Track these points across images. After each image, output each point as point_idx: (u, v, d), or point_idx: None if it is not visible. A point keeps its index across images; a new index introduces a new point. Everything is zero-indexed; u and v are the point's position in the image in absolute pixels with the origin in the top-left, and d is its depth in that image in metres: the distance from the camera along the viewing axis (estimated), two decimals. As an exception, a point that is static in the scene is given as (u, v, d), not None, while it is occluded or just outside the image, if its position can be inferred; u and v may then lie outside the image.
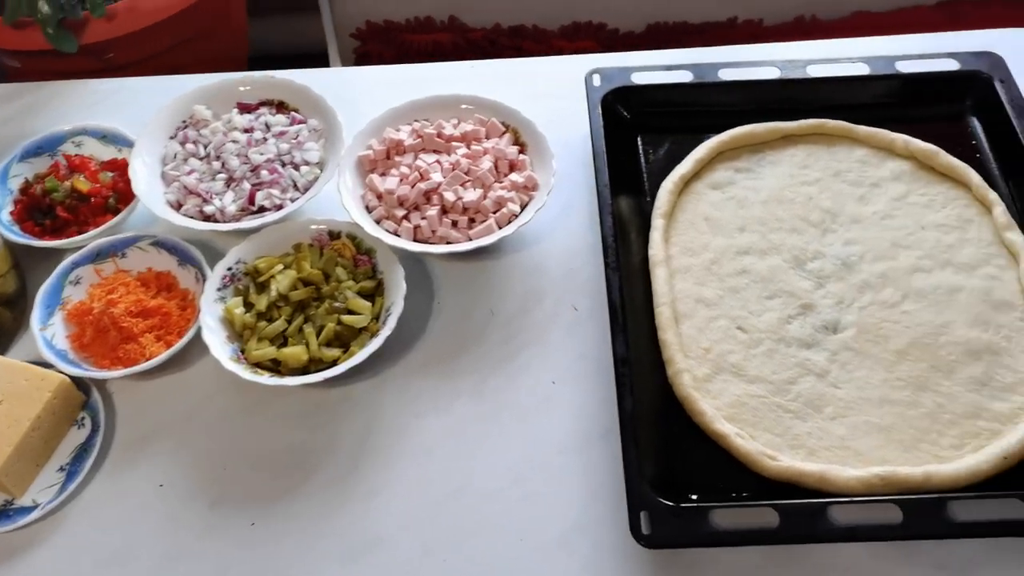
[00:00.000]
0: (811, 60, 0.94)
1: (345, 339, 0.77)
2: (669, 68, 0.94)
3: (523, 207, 0.83)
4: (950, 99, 0.93)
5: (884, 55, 0.94)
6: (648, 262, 0.83)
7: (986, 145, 0.91)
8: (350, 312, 0.78)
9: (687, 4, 1.49)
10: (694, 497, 0.69)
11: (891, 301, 0.80)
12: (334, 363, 0.75)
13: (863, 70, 0.94)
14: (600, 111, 0.91)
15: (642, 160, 0.92)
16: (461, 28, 1.46)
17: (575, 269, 0.85)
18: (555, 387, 0.78)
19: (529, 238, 0.88)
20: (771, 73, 0.94)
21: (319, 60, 1.58)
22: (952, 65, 0.93)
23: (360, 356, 0.74)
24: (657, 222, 0.85)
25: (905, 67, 0.93)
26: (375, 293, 0.80)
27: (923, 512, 0.65)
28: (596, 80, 0.94)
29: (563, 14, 1.49)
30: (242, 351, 0.77)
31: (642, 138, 0.93)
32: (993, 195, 0.85)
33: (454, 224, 0.82)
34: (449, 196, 0.82)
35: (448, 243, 0.81)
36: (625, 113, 0.94)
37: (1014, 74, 0.92)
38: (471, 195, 0.82)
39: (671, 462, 0.71)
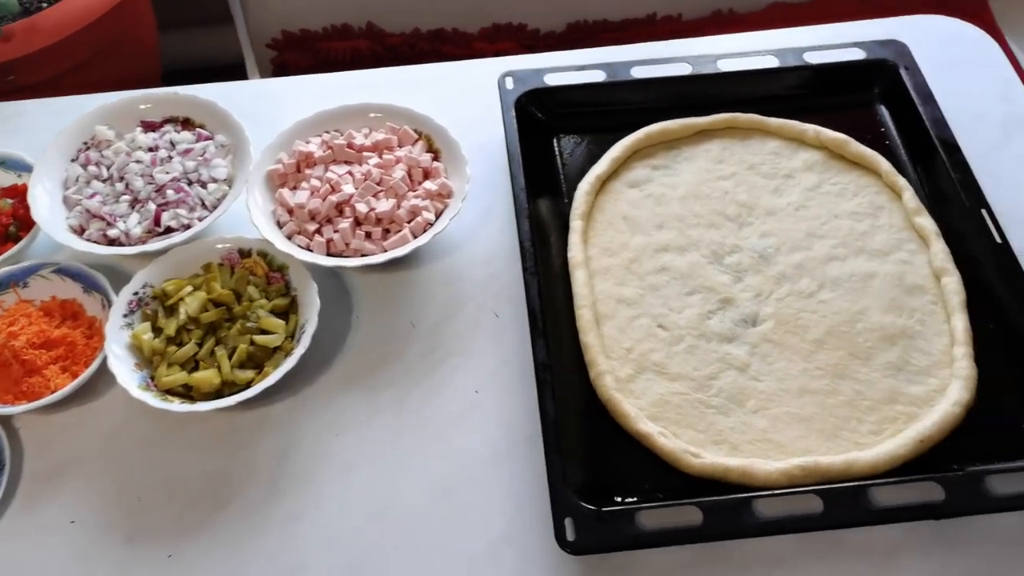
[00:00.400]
0: (721, 55, 0.95)
1: (259, 360, 0.75)
2: (582, 68, 0.94)
3: (439, 215, 0.82)
4: (858, 88, 0.95)
5: (793, 47, 0.95)
6: (567, 264, 0.82)
7: (894, 132, 0.92)
8: (263, 332, 0.76)
9: (606, 2, 1.50)
10: (619, 500, 0.68)
11: (808, 291, 0.81)
12: (248, 385, 0.73)
13: (772, 63, 0.94)
14: (514, 114, 0.90)
15: (559, 162, 0.91)
16: (379, 34, 1.45)
17: (495, 275, 0.84)
18: (478, 396, 0.77)
19: (448, 246, 0.86)
20: (683, 69, 0.94)
21: (237, 72, 1.55)
22: (859, 55, 0.95)
23: (274, 377, 0.72)
24: (575, 224, 0.84)
25: (813, 58, 0.94)
26: (289, 311, 0.78)
27: (843, 500, 0.65)
28: (509, 83, 0.93)
29: (483, 16, 1.48)
30: (152, 378, 0.75)
31: (558, 139, 0.93)
32: (902, 181, 0.86)
33: (368, 236, 0.81)
34: (362, 207, 0.81)
35: (363, 255, 0.79)
36: (540, 115, 0.93)
37: (918, 60, 0.94)
38: (384, 205, 0.81)
39: (597, 465, 0.71)
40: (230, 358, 0.74)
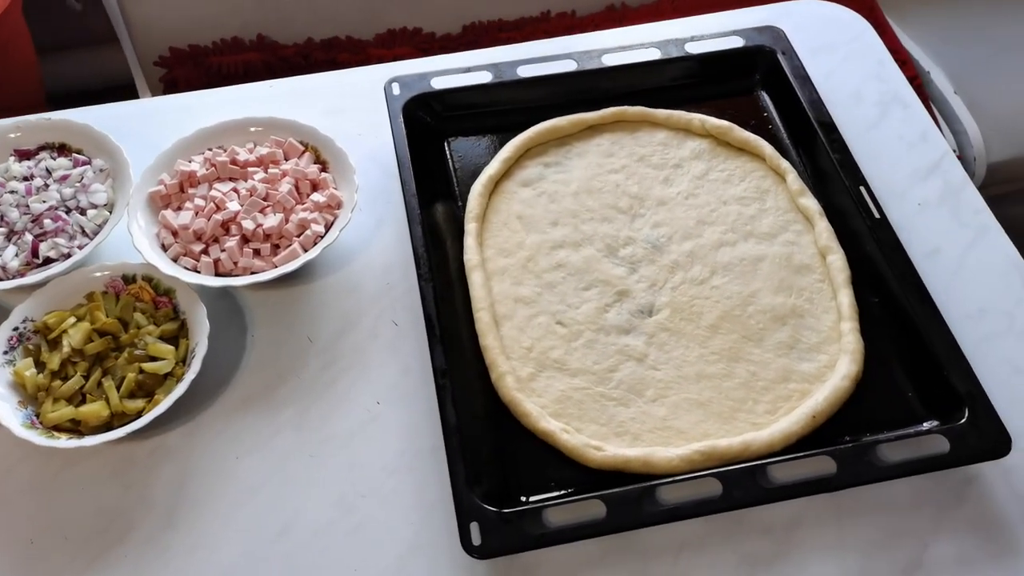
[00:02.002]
0: (606, 49, 0.96)
1: (149, 388, 0.73)
2: (468, 70, 0.94)
3: (329, 227, 0.81)
4: (740, 75, 0.97)
5: (675, 38, 0.97)
6: (464, 268, 0.82)
7: (776, 116, 0.94)
8: (152, 359, 0.74)
9: (501, 2, 1.50)
10: (525, 500, 0.68)
11: (700, 278, 0.82)
12: (139, 415, 0.71)
13: (655, 55, 0.96)
14: (402, 120, 0.89)
15: (451, 165, 0.91)
16: (272, 46, 1.42)
17: (392, 284, 0.84)
18: (380, 407, 0.76)
19: (342, 257, 0.85)
20: (568, 66, 0.95)
21: (128, 92, 1.50)
22: (738, 42, 0.97)
23: (164, 404, 0.70)
24: (470, 226, 0.84)
25: (695, 48, 0.96)
26: (179, 335, 0.76)
27: (741, 481, 0.66)
28: (395, 89, 0.92)
29: (377, 23, 1.47)
30: (37, 415, 0.72)
31: (449, 143, 0.92)
32: (785, 164, 0.89)
33: (256, 253, 0.79)
34: (248, 224, 0.79)
35: (252, 273, 0.78)
36: (428, 119, 0.93)
37: (795, 45, 0.96)
38: (271, 221, 0.79)
39: (503, 468, 0.71)
40: (118, 388, 0.72)
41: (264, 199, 0.81)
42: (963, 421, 0.69)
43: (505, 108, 0.94)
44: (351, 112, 0.96)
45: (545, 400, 0.74)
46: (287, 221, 0.80)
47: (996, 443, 0.68)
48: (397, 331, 0.81)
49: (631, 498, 0.66)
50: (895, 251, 0.79)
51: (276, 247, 0.80)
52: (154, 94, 1.45)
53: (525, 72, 0.94)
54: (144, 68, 1.43)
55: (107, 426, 0.71)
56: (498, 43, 1.03)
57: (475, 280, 0.80)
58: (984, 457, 0.68)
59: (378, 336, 0.80)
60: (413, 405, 0.76)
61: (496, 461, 0.71)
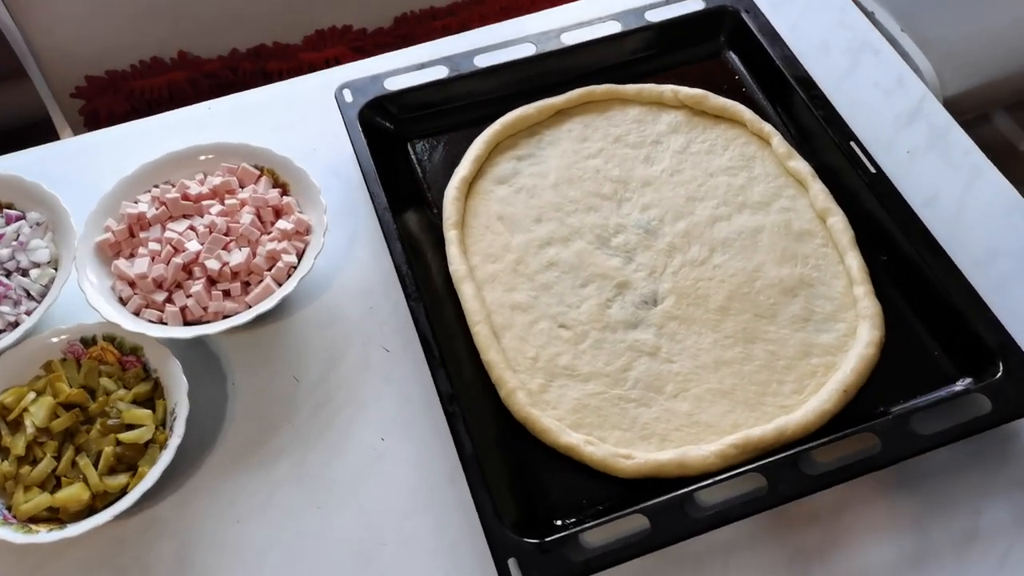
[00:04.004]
0: (563, 28, 0.90)
1: (130, 460, 0.66)
2: (422, 67, 0.88)
3: (301, 255, 0.75)
4: (705, 39, 0.92)
5: (632, 8, 0.92)
6: (451, 279, 0.76)
7: (748, 77, 0.90)
8: (129, 427, 0.67)
9: (429, -12, 1.43)
10: (560, 523, 0.64)
11: (700, 258, 0.78)
12: (124, 492, 0.64)
13: (616, 28, 0.90)
14: (359, 128, 0.83)
15: (418, 170, 0.85)
16: (195, 62, 1.33)
17: (375, 307, 0.78)
18: (385, 444, 0.70)
19: (317, 285, 0.79)
20: (527, 50, 0.89)
21: (44, 128, 1.39)
22: (699, 5, 0.92)
23: (151, 476, 0.63)
24: (450, 234, 0.78)
25: (655, 16, 0.91)
26: (154, 396, 0.69)
27: (784, 473, 0.62)
28: (348, 95, 0.85)
29: (304, 24, 1.39)
30: (8, 508, 0.65)
31: (413, 146, 0.86)
32: (768, 127, 0.85)
33: (227, 294, 0.72)
34: (212, 264, 0.72)
35: (225, 317, 0.71)
36: (388, 124, 0.86)
37: (756, 1, 0.92)
38: (238, 257, 0.73)
39: (528, 491, 0.66)
40: (96, 466, 0.65)
41: (225, 234, 0.74)
42: (999, 376, 0.66)
43: (467, 102, 0.88)
44: (302, 126, 0.90)
45: (561, 411, 0.70)
46: (255, 255, 0.73)
47: (1038, 394, 0.65)
48: (389, 357, 0.75)
49: (674, 506, 0.62)
50: (897, 205, 0.76)
51: (246, 284, 0.73)
52: (74, 129, 1.35)
53: (482, 62, 0.88)
54: (60, 101, 1.32)
55: (89, 509, 0.64)
56: (433, 32, 0.97)
57: (466, 292, 0.75)
58: (1027, 411, 0.65)
59: (369, 366, 0.74)
60: (419, 436, 0.70)
61: (520, 485, 0.66)
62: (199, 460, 0.69)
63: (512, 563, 0.60)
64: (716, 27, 0.92)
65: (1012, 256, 0.78)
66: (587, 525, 0.62)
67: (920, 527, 0.65)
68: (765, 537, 0.65)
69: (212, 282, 0.73)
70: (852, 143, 0.80)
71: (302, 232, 0.75)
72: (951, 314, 0.70)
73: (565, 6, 0.99)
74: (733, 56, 0.92)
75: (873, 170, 0.78)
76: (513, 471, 0.67)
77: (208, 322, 0.71)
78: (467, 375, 0.71)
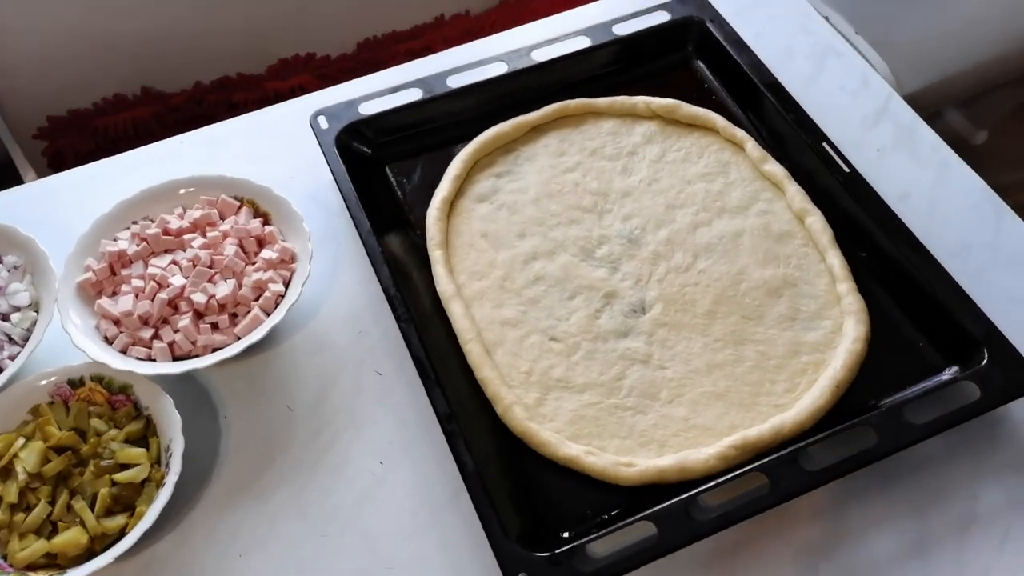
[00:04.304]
0: (533, 46, 0.91)
1: (127, 500, 0.65)
2: (396, 90, 0.88)
3: (287, 284, 0.74)
4: (673, 50, 0.94)
5: (600, 22, 0.93)
6: (439, 299, 0.76)
7: (718, 85, 0.92)
8: (123, 467, 0.66)
9: (391, 12, 1.44)
10: (566, 536, 0.64)
11: (685, 264, 0.79)
12: (123, 533, 0.63)
13: (585, 43, 0.92)
14: (337, 154, 0.83)
15: (398, 193, 0.85)
16: (159, 97, 1.32)
17: (365, 331, 0.77)
18: (384, 467, 0.70)
19: (305, 313, 0.78)
20: (499, 69, 0.90)
21: (6, 171, 1.37)
22: (664, 17, 0.94)
23: (151, 515, 0.62)
24: (435, 254, 0.79)
25: (622, 30, 0.92)
26: (147, 434, 0.68)
27: (785, 471, 0.63)
28: (323, 122, 0.85)
29: (267, 54, 1.39)
30: (4, 557, 0.63)
31: (391, 169, 0.86)
32: (740, 133, 0.86)
33: (215, 327, 0.72)
34: (199, 297, 0.71)
35: (215, 350, 0.70)
36: (365, 149, 0.86)
37: (720, 10, 0.94)
38: (224, 289, 0.72)
39: (533, 505, 0.66)
40: (92, 508, 0.64)
41: (209, 266, 0.73)
42: (985, 363, 0.68)
43: (442, 123, 0.89)
44: (277, 155, 0.89)
45: (559, 424, 0.70)
46: (240, 286, 0.73)
47: None
48: (382, 381, 0.74)
49: (679, 511, 0.62)
50: (873, 202, 0.78)
51: (234, 316, 0.72)
52: (38, 171, 1.33)
53: (455, 82, 0.89)
54: (22, 143, 1.31)
55: (88, 553, 0.63)
56: (398, 56, 0.98)
57: (455, 311, 0.75)
58: (1016, 394, 0.66)
59: (363, 390, 0.74)
60: (418, 458, 0.70)
61: (523, 500, 0.66)
62: (196, 496, 0.68)
63: (523, 578, 0.59)
64: (683, 38, 0.94)
65: (986, 247, 0.80)
66: (595, 535, 0.62)
67: (920, 515, 0.66)
68: (769, 536, 0.65)
69: (199, 315, 0.72)
70: (824, 144, 0.82)
71: (287, 260, 0.75)
72: (933, 306, 0.72)
73: (532, 24, 1.00)
74: (702, 65, 0.94)
75: (847, 169, 0.80)
76: (515, 486, 0.67)
77: (197, 356, 0.70)
78: (462, 393, 0.71)
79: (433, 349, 0.72)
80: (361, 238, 0.77)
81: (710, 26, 0.92)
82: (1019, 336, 0.69)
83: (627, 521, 0.62)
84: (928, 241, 0.76)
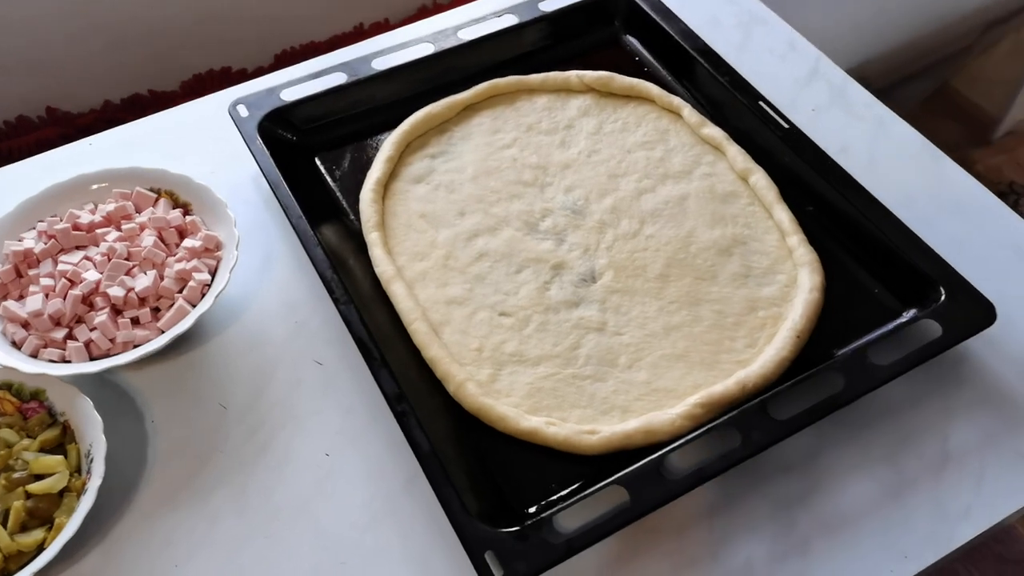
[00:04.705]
0: (459, 26, 0.89)
1: (45, 513, 0.58)
2: (319, 75, 0.84)
3: (214, 273, 0.69)
4: (601, 25, 0.92)
5: (527, 1, 0.91)
6: (379, 284, 0.72)
7: (650, 57, 0.90)
8: (38, 477, 0.59)
9: (308, 22, 1.40)
10: (532, 511, 0.59)
11: (632, 231, 0.76)
12: (41, 548, 0.56)
13: (513, 21, 0.89)
14: (260, 142, 0.78)
15: (329, 180, 0.80)
16: (65, 118, 1.25)
17: (302, 321, 0.72)
18: (331, 459, 0.65)
19: (237, 308, 0.73)
20: (425, 50, 0.87)
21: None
22: (590, -8, 0.92)
23: (72, 526, 0.56)
24: (372, 236, 0.74)
25: (548, 6, 0.91)
26: (64, 441, 0.62)
27: (755, 422, 0.60)
28: (243, 111, 0.81)
29: (180, 70, 1.33)
30: (-97, 590, 0.56)
31: (320, 157, 0.82)
32: (677, 100, 0.85)
33: (136, 321, 0.66)
34: (116, 291, 0.66)
35: (136, 346, 0.65)
36: (290, 136, 0.82)
37: (645, -17, 0.93)
38: (144, 281, 0.66)
39: (495, 484, 0.61)
40: (5, 525, 0.57)
41: (127, 259, 0.68)
42: (943, 300, 0.66)
43: (370, 107, 0.85)
44: (196, 151, 0.84)
45: (515, 398, 0.66)
46: (162, 277, 0.67)
47: (984, 312, 0.65)
48: (324, 371, 0.70)
49: (650, 472, 0.58)
50: (815, 155, 0.77)
51: (157, 310, 0.67)
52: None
53: (381, 65, 0.85)
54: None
55: (3, 574, 0.56)
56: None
57: (397, 292, 0.71)
58: (976, 329, 0.65)
59: (303, 382, 0.69)
60: (368, 445, 0.65)
61: (485, 480, 0.62)
62: (123, 506, 0.62)
63: (490, 556, 0.55)
64: (610, 12, 0.92)
65: (929, 195, 0.79)
66: (563, 505, 0.58)
67: (893, 460, 0.64)
68: (744, 494, 0.62)
69: (117, 311, 0.66)
70: (760, 103, 0.80)
71: (212, 249, 0.70)
72: (886, 251, 0.71)
73: (458, 8, 0.97)
74: (631, 39, 0.92)
75: (786, 126, 0.79)
76: (475, 466, 0.62)
77: (118, 354, 0.64)
78: (411, 376, 0.67)
79: (377, 332, 0.67)
80: (292, 224, 0.72)
81: (637, -1, 0.91)
82: (970, 275, 0.68)
83: (596, 487, 0.58)
84: (872, 193, 0.75)
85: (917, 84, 2.06)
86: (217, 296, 0.66)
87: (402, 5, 1.45)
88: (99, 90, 1.27)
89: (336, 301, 0.68)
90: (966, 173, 0.81)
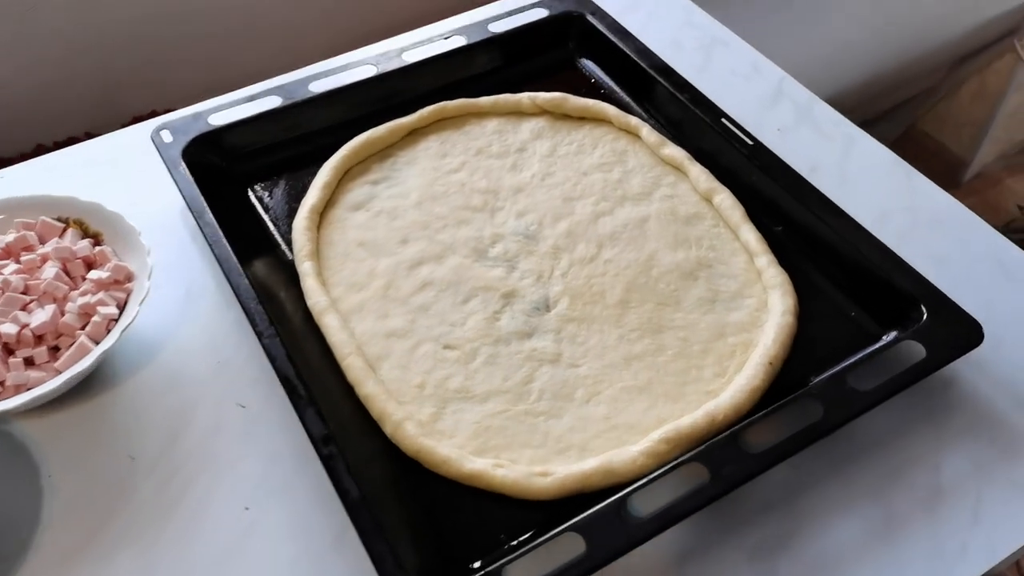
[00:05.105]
0: (404, 47, 0.84)
1: (-91, 584, 0.50)
2: (252, 99, 0.78)
3: (123, 307, 0.62)
4: (555, 46, 0.88)
5: (475, 22, 0.87)
6: (311, 316, 0.65)
7: (607, 79, 0.86)
8: (-96, 542, 0.51)
9: (248, 65, 1.35)
10: (478, 565, 0.52)
11: (588, 255, 0.70)
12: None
13: (461, 42, 0.85)
14: (185, 169, 0.72)
15: (260, 210, 0.74)
16: (-4, 161, 1.19)
17: (224, 361, 0.65)
18: (251, 513, 0.57)
19: (154, 344, 0.66)
20: (368, 72, 0.82)
21: None
22: (542, 13, 0.88)
23: (-64, 598, 0.48)
24: (304, 266, 0.68)
25: (499, 28, 0.86)
26: (-60, 499, 0.54)
27: (726, 456, 0.54)
28: (166, 136, 0.75)
29: (119, 113, 1.27)
30: None
31: (251, 186, 0.76)
32: (634, 120, 0.80)
33: (29, 362, 0.59)
34: (7, 328, 0.58)
35: (29, 389, 0.57)
36: (219, 163, 0.76)
37: (599, 3, 0.89)
38: (41, 317, 0.59)
39: (436, 536, 0.54)
40: None
41: (24, 292, 0.61)
42: (925, 319, 0.61)
43: (307, 133, 0.79)
44: (115, 182, 0.78)
45: (460, 439, 0.59)
46: (63, 313, 0.60)
47: (970, 331, 0.60)
48: (247, 414, 0.62)
49: (608, 517, 0.51)
50: (784, 172, 0.72)
51: (56, 349, 0.60)
52: None
53: (319, 88, 0.80)
54: None
55: None
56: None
57: (330, 324, 0.64)
58: (963, 349, 0.59)
59: (223, 427, 0.61)
60: (294, 497, 0.58)
61: (426, 532, 0.54)
62: (12, 574, 0.54)
63: (427, 620, 0.47)
64: (564, 33, 0.88)
65: (903, 212, 0.75)
66: (511, 557, 0.50)
67: (882, 496, 0.57)
68: (717, 539, 0.55)
69: (9, 351, 0.59)
70: (723, 120, 0.76)
71: (122, 280, 0.63)
72: (862, 269, 0.65)
73: (405, 34, 0.92)
74: (587, 62, 0.88)
75: (751, 142, 0.74)
76: (415, 516, 0.55)
77: (7, 398, 0.57)
78: (344, 416, 0.60)
79: (306, 369, 0.60)
80: (214, 254, 0.66)
81: (591, 19, 0.87)
82: (953, 294, 0.63)
83: (548, 535, 0.51)
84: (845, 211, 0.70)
85: (885, 126, 2.05)
86: (124, 332, 0.59)
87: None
88: (31, 132, 1.21)
89: (259, 335, 0.61)
90: (942, 190, 0.76)
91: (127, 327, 0.59)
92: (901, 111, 2.00)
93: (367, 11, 1.38)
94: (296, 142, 0.79)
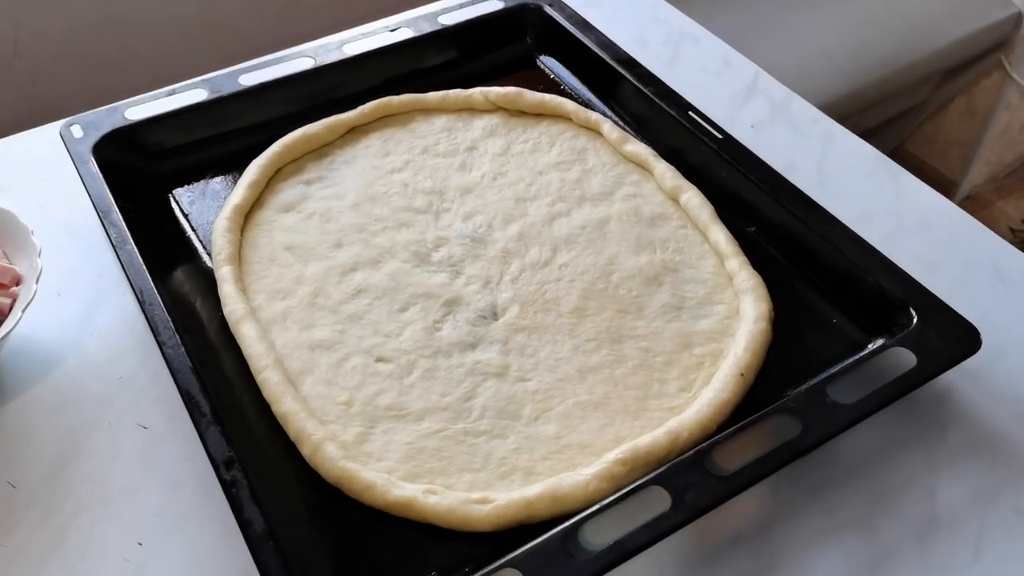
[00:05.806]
0: (345, 40, 0.77)
1: None
2: (174, 92, 0.72)
3: (6, 313, 0.55)
4: (511, 41, 0.82)
5: (425, 13, 0.80)
6: (227, 325, 0.58)
7: (568, 76, 0.80)
8: None
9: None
10: (400, 610, 0.44)
11: (542, 260, 0.63)
12: None
13: (408, 35, 0.78)
14: (94, 167, 0.65)
15: (181, 214, 0.67)
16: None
17: (127, 377, 0.58)
18: (145, 549, 0.49)
19: (48, 359, 0.58)
20: (305, 64, 0.75)
21: None
22: (498, 5, 0.82)
23: None
24: (223, 271, 0.61)
25: (450, 19, 0.80)
26: None
27: (689, 479, 0.46)
28: (77, 131, 0.68)
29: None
30: None
31: (171, 185, 0.69)
32: (595, 116, 0.74)
33: None
34: None
35: None
36: (136, 162, 0.69)
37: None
38: (-93, 323, 0.52)
39: (357, 572, 0.46)
40: None
41: None
42: (915, 324, 0.54)
43: (235, 130, 0.72)
44: (21, 185, 0.71)
45: (390, 462, 0.51)
46: (-65, 320, 0.53)
47: (965, 336, 0.53)
48: (148, 436, 0.55)
49: (554, 550, 0.44)
50: (756, 167, 0.65)
51: (-75, 362, 0.52)
52: None
53: (249, 80, 0.73)
54: None
55: None
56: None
57: (246, 334, 0.57)
58: (958, 357, 0.53)
59: (121, 451, 0.54)
60: (194, 530, 0.50)
61: (344, 569, 0.47)
62: None
63: (333, 677, 0.40)
64: (521, 28, 0.82)
65: (889, 214, 0.68)
66: (438, 600, 0.43)
67: (869, 526, 0.50)
68: (686, 568, 0.48)
69: None
70: (691, 112, 0.70)
71: (7, 284, 0.55)
72: (844, 271, 0.59)
73: (348, 31, 0.86)
74: (546, 58, 0.82)
75: (721, 136, 0.68)
76: (334, 551, 0.47)
77: None
78: (258, 437, 0.52)
79: (216, 385, 0.53)
80: (119, 259, 0.58)
81: (550, 11, 0.81)
82: (945, 300, 0.56)
83: (482, 573, 0.44)
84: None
85: (872, 145, 2.00)
86: (2, 340, 0.51)
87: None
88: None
89: (161, 344, 0.53)
90: (932, 190, 0.70)
91: (6, 335, 0.52)
92: (888, 131, 1.96)
93: (321, 6, 1.32)
94: (224, 139, 0.72)
